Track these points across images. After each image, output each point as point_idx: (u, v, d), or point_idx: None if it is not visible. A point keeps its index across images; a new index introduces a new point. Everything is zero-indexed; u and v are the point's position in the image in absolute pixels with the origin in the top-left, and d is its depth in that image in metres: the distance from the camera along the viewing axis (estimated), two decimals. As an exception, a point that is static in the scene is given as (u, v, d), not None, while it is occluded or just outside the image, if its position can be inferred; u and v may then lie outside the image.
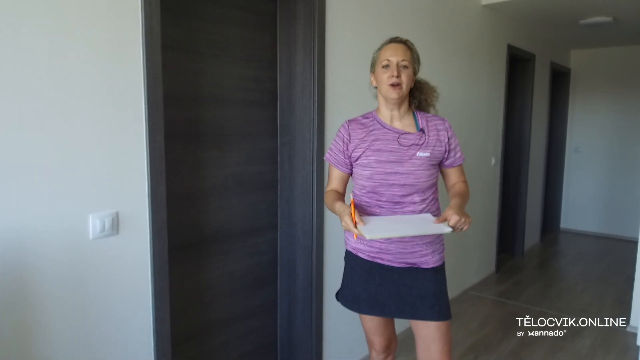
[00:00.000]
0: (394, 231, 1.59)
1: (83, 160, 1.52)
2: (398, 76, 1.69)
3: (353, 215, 1.57)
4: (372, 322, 1.89)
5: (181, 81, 2.00)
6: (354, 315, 1.92)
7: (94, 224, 1.55)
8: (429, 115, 1.83)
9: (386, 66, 1.72)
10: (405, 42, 1.76)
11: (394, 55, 1.71)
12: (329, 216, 2.49)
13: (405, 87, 1.71)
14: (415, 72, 1.77)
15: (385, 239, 1.72)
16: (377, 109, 1.83)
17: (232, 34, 2.19)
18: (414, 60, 1.75)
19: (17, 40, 1.35)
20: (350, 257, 1.86)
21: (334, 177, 1.85)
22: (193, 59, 2.04)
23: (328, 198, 1.80)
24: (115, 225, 1.62)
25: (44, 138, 1.43)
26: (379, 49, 1.79)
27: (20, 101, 1.37)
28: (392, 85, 1.70)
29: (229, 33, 2.17)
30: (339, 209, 1.65)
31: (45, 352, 1.48)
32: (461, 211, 1.60)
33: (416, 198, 1.74)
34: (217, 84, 2.15)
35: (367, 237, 1.51)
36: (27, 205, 1.41)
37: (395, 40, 1.77)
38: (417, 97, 1.85)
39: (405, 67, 1.71)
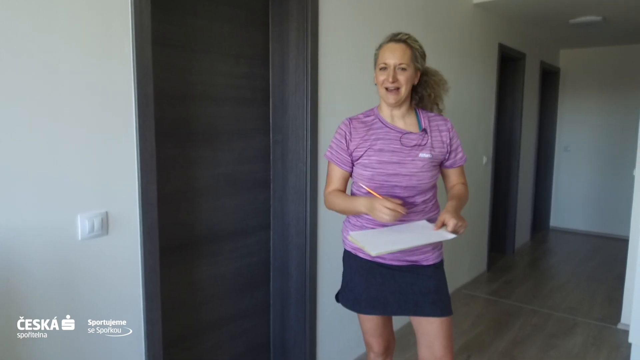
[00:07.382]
0: (398, 243, 1.56)
1: (71, 159, 1.48)
2: (394, 81, 1.64)
3: (379, 196, 1.60)
4: (372, 322, 1.87)
5: (172, 78, 1.96)
6: (349, 315, 1.90)
7: (82, 224, 1.51)
8: (431, 114, 1.79)
9: (383, 68, 1.67)
10: (405, 41, 1.68)
11: (392, 58, 1.65)
12: (323, 215, 2.47)
13: (403, 90, 1.66)
14: (417, 71, 1.71)
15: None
16: (379, 106, 1.78)
17: (224, 30, 2.16)
18: (415, 58, 1.68)
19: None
20: (349, 257, 1.83)
21: (335, 178, 1.78)
22: (184, 55, 2.01)
23: (336, 198, 1.75)
24: (104, 225, 1.58)
25: (30, 136, 1.38)
26: (379, 47, 1.72)
27: (5, 99, 1.33)
28: (388, 89, 1.66)
29: (220, 29, 2.14)
30: (363, 202, 1.63)
31: (32, 355, 1.44)
32: (457, 214, 1.60)
33: (417, 199, 1.72)
34: (209, 81, 2.11)
35: (373, 253, 1.51)
36: (13, 204, 1.37)
37: (394, 38, 1.69)
38: (420, 93, 1.78)
39: (403, 69, 1.65)
